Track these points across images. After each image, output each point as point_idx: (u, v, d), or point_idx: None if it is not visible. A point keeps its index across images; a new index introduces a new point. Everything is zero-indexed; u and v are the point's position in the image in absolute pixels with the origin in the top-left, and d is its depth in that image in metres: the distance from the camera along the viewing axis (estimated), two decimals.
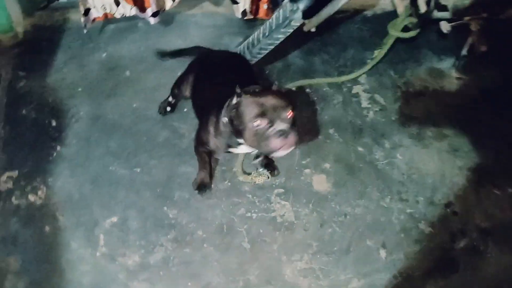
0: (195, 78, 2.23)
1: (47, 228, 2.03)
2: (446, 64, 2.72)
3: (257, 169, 2.19)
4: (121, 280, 1.90)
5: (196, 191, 2.12)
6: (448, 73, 2.69)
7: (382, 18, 2.93)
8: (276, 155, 1.64)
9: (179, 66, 2.53)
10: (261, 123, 1.59)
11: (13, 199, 2.12)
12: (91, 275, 1.91)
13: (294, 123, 1.62)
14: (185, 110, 2.47)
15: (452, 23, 2.53)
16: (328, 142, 2.36)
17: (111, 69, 2.67)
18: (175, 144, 2.33)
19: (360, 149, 2.34)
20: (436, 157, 2.32)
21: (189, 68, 2.34)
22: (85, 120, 2.43)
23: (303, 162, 2.26)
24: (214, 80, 2.08)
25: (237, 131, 1.69)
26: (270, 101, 1.59)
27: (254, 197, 2.13)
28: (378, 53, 2.57)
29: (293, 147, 1.62)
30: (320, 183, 2.21)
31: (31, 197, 2.13)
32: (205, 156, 2.10)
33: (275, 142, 1.59)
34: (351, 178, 2.23)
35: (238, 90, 1.65)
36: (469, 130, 2.41)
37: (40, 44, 2.77)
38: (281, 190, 2.15)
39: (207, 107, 1.97)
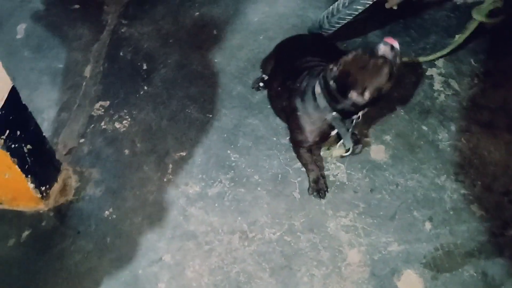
0: (275, 64, 2.25)
1: (126, 151, 2.32)
2: None
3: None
4: (180, 204, 2.13)
5: (313, 194, 2.13)
6: None
7: (472, 7, 2.87)
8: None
9: (262, 29, 2.71)
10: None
11: (102, 123, 2.44)
12: (156, 195, 2.16)
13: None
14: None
15: None
16: (393, 117, 2.40)
17: (202, 27, 2.91)
18: (246, 98, 2.51)
19: (424, 127, 2.36)
20: (504, 148, 2.27)
21: (274, 50, 2.36)
22: (172, 67, 2.70)
23: (365, 130, 2.33)
24: (295, 70, 2.03)
25: (343, 85, 1.71)
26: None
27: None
28: (459, 38, 2.55)
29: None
30: (378, 152, 2.27)
31: (117, 124, 2.43)
32: (308, 156, 2.07)
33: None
34: (410, 153, 2.26)
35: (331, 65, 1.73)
36: None
37: None
38: None
39: (290, 100, 1.95)
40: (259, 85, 2.49)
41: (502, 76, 2.57)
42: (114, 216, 2.10)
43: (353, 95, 1.70)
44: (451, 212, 2.06)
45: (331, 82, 1.73)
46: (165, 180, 2.21)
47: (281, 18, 2.90)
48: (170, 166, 2.26)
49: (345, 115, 1.80)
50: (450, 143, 2.29)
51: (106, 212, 2.11)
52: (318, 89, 1.79)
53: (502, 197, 2.10)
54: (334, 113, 1.78)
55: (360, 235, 2.01)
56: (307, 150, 2.04)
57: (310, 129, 1.89)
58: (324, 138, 1.95)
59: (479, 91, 2.51)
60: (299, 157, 2.09)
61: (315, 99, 1.81)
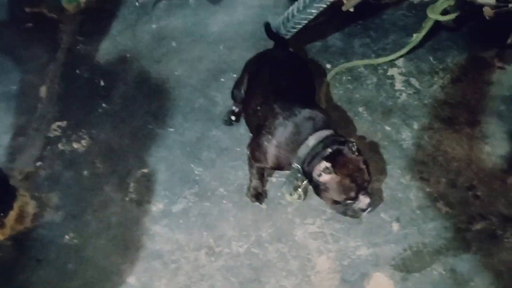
0: (249, 81, 2.12)
1: (85, 172, 2.25)
2: (489, 53, 2.65)
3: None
4: (144, 224, 2.07)
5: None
6: (489, 62, 2.62)
7: (428, 5, 2.90)
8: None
9: (222, 39, 2.69)
10: (348, 201, 1.66)
11: (59, 145, 2.36)
12: (119, 216, 2.09)
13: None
14: (222, 80, 2.61)
15: (496, 9, 2.46)
16: (356, 119, 2.39)
17: (160, 40, 2.86)
18: (209, 110, 2.47)
19: (387, 128, 2.35)
20: (466, 143, 2.29)
21: (244, 69, 2.22)
22: (131, 83, 2.64)
23: None
24: (269, 86, 1.94)
25: (317, 189, 1.70)
26: (356, 176, 1.62)
27: None
28: (416, 37, 2.57)
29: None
30: None
31: (75, 145, 2.36)
32: (258, 173, 2.01)
33: (358, 214, 1.72)
34: (374, 154, 2.25)
35: (327, 165, 1.60)
36: (505, 119, 2.35)
37: (100, 14, 3.02)
38: None
39: (269, 121, 1.79)
40: (230, 119, 2.35)
41: (460, 71, 2.60)
42: (76, 241, 2.02)
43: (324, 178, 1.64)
44: (417, 211, 2.06)
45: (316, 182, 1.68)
46: (127, 199, 2.15)
47: (240, 27, 2.87)
48: (132, 185, 2.20)
49: (306, 175, 1.72)
50: (413, 142, 2.30)
51: (67, 237, 2.03)
52: (312, 141, 1.70)
53: (466, 191, 2.11)
54: (298, 166, 1.72)
55: (328, 241, 1.99)
56: (259, 170, 1.99)
57: (273, 154, 1.78)
58: (280, 169, 1.86)
59: (439, 87, 2.53)
60: (250, 168, 2.00)
61: (296, 133, 1.73)
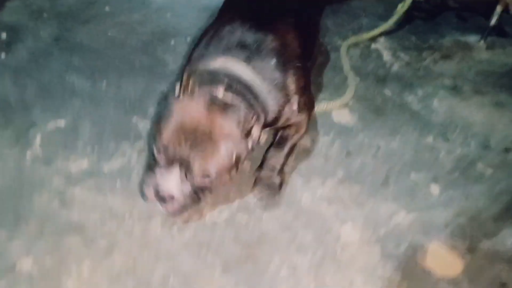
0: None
1: None
2: (472, 38, 2.38)
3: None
4: (54, 186, 1.25)
5: None
6: (475, 45, 2.34)
7: None
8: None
9: (171, 8, 2.16)
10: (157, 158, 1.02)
11: None
12: (10, 176, 1.25)
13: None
14: (172, 43, 2.02)
15: None
16: (348, 83, 1.89)
17: (90, 3, 2.24)
18: (154, 69, 1.83)
19: (387, 92, 1.87)
20: (480, 110, 1.86)
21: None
22: (45, 39, 1.93)
23: (320, 94, 1.77)
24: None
25: None
26: (198, 126, 1.00)
27: None
28: (400, 9, 2.25)
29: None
30: (342, 115, 1.70)
31: None
32: None
33: (149, 192, 1.01)
34: (380, 116, 1.73)
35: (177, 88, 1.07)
36: None
37: None
38: None
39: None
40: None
41: (448, 50, 2.28)
42: None
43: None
44: (456, 173, 1.50)
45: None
46: (27, 157, 1.33)
47: None
48: (38, 139, 1.39)
49: None
50: (422, 106, 1.82)
51: None
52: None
53: (505, 153, 1.62)
54: None
55: (349, 207, 1.32)
56: None
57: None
58: None
59: (432, 62, 2.15)
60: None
61: None
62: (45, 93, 1.61)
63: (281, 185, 1.29)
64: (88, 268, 1.04)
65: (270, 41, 1.20)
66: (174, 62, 1.90)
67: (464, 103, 1.89)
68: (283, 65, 1.20)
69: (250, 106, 1.08)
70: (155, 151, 0.99)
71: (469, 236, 1.27)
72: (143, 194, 1.01)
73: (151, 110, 1.60)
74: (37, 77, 1.71)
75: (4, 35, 1.92)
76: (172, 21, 2.18)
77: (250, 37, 1.19)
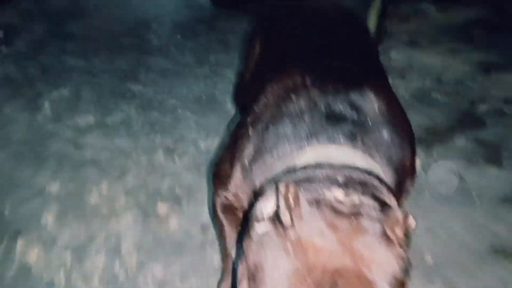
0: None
1: None
2: (425, 5, 2.63)
3: None
4: (67, 137, 1.44)
5: None
6: (428, 9, 2.60)
7: None
8: None
9: None
10: None
11: None
12: (25, 133, 1.45)
13: None
14: (154, 26, 2.23)
15: None
16: None
17: (76, 1, 2.46)
18: (140, 46, 2.05)
19: None
20: (436, 55, 2.11)
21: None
22: (38, 32, 2.19)
23: None
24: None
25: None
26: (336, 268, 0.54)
27: None
28: None
29: None
30: None
31: None
32: (226, 219, 0.92)
33: None
34: None
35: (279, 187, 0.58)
36: (466, 39, 2.24)
37: None
38: None
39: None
40: None
41: (403, 14, 2.53)
42: None
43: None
44: (412, 101, 1.74)
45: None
46: (39, 118, 1.52)
47: None
48: (47, 104, 1.59)
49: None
50: (381, 58, 2.05)
51: None
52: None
53: (456, 85, 1.87)
54: None
55: None
56: (224, 208, 0.91)
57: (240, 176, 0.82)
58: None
59: (389, 23, 2.40)
60: (216, 217, 0.93)
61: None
62: (45, 71, 1.81)
63: None
64: (106, 187, 1.23)
65: (373, 102, 0.79)
66: (158, 40, 2.12)
67: (422, 51, 2.13)
68: (397, 134, 0.78)
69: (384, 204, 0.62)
70: None
71: (426, 143, 1.49)
72: None
73: (143, 77, 1.80)
74: (37, 60, 1.91)
75: (1, 33, 2.11)
76: (151, 9, 2.40)
77: (341, 101, 0.77)
